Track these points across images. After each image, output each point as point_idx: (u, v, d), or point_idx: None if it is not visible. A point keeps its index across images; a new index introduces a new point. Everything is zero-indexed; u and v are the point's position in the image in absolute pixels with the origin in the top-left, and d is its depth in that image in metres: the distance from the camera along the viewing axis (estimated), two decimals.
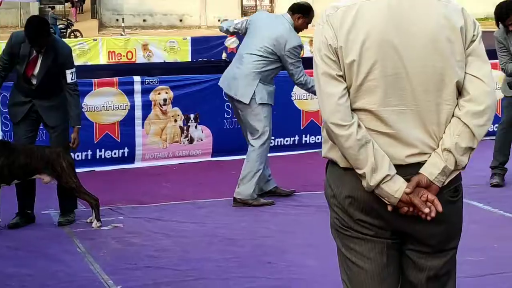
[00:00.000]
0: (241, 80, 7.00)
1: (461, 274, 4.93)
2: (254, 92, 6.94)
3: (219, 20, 48.15)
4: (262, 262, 5.53)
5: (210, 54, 19.67)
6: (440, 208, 2.70)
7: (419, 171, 2.72)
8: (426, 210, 2.69)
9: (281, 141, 9.40)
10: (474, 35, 2.78)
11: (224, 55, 18.84)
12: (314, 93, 6.75)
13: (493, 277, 5.10)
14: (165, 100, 8.89)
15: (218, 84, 7.36)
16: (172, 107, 8.97)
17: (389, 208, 2.73)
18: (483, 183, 7.65)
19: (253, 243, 5.99)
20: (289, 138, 9.48)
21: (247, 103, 6.96)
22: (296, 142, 9.54)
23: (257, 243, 5.97)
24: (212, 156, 9.14)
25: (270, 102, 7.05)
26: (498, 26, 7.48)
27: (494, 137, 7.80)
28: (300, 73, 6.99)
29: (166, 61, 19.86)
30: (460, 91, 2.78)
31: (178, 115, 8.99)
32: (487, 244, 5.82)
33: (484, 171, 7.73)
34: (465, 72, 2.77)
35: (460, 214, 2.89)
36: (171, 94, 8.93)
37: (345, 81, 2.73)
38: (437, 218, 2.73)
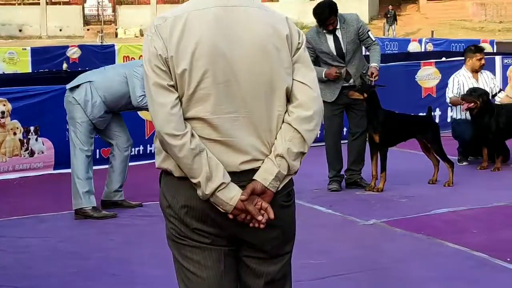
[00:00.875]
0: None
1: (304, 277, 5.10)
2: None
3: (60, 30, 47.22)
4: (107, 274, 5.44)
5: (51, 65, 19.21)
6: (272, 215, 2.75)
7: (254, 178, 2.76)
8: (260, 217, 2.74)
9: None
10: (299, 43, 2.87)
11: (65, 66, 18.43)
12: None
13: (335, 278, 5.23)
14: (2, 112, 8.60)
15: None
16: (11, 119, 8.69)
17: (230, 216, 2.75)
18: (324, 187, 7.87)
19: (97, 255, 5.88)
20: (134, 149, 9.38)
21: None
22: (141, 152, 9.46)
23: (101, 256, 5.87)
24: (54, 169, 8.91)
25: None
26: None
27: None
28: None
29: (4, 72, 19.22)
30: (288, 97, 2.84)
31: (18, 128, 8.71)
32: (329, 246, 5.97)
33: (326, 176, 7.94)
34: (293, 79, 2.84)
35: (293, 218, 2.95)
36: (9, 106, 8.65)
37: (176, 91, 2.74)
38: (271, 223, 2.78)
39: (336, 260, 5.62)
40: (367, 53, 8.04)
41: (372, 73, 7.69)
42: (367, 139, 7.98)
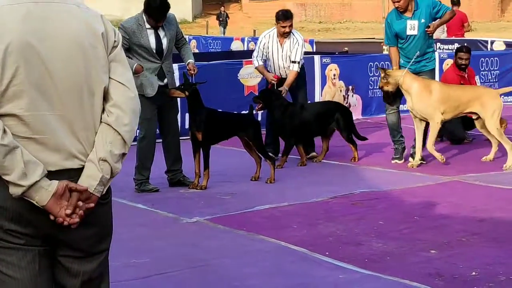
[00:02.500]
0: None
1: (127, 277, 5.06)
2: None
3: None
4: None
5: None
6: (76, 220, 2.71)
7: (78, 183, 2.72)
8: (75, 218, 2.70)
9: None
10: (115, 41, 2.85)
11: None
12: None
13: (158, 277, 5.21)
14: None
15: None
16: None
17: (51, 217, 2.68)
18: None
19: None
20: None
21: None
22: None
23: None
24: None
25: None
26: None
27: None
28: None
29: None
30: (105, 96, 2.81)
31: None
32: (151, 245, 5.94)
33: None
34: (110, 78, 2.81)
35: (110, 215, 2.94)
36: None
37: None
38: (87, 221, 2.76)
39: (159, 258, 5.60)
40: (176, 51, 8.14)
41: (194, 69, 7.80)
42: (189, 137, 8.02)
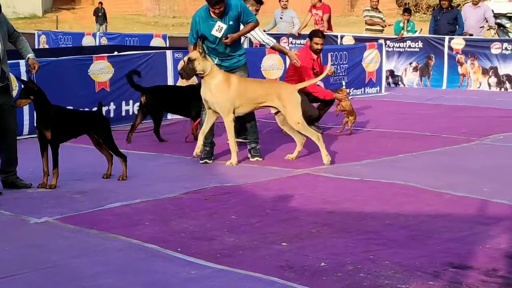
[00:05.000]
0: None
1: None
2: None
3: None
4: None
5: None
6: None
7: None
8: None
9: None
10: None
11: None
12: None
13: (3, 280, 5.02)
14: None
15: None
16: None
17: None
18: None
19: None
20: None
21: None
22: None
23: None
24: None
25: None
26: None
27: None
28: None
29: None
30: None
31: None
32: None
33: None
34: None
35: None
36: None
37: None
38: None
39: (2, 261, 5.39)
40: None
41: (34, 65, 7.59)
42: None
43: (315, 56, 10.95)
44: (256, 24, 9.11)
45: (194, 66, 8.58)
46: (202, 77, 8.71)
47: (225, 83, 8.66)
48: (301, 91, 9.28)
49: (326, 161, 8.79)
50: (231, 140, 8.82)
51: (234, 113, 8.75)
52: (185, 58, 8.76)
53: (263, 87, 9.12)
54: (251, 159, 9.08)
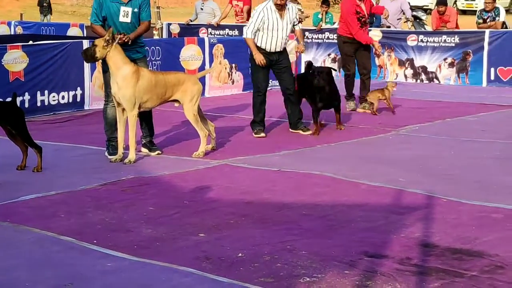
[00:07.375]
0: None
1: None
2: None
3: None
4: None
5: None
6: None
7: None
8: None
9: None
10: None
11: None
12: None
13: None
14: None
15: None
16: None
17: None
18: None
19: None
20: None
21: None
22: None
23: None
24: None
25: None
26: None
27: None
28: None
29: None
30: None
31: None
32: None
33: None
34: None
35: None
36: None
37: None
38: None
39: None
40: None
41: None
42: None
43: (358, 2, 11.69)
44: (149, 25, 8.91)
45: (94, 52, 8.43)
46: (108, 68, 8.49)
47: (133, 75, 8.38)
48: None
49: (195, 154, 8.71)
50: (132, 136, 8.42)
51: (140, 108, 8.50)
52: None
53: (170, 80, 8.75)
54: (152, 154, 8.87)
